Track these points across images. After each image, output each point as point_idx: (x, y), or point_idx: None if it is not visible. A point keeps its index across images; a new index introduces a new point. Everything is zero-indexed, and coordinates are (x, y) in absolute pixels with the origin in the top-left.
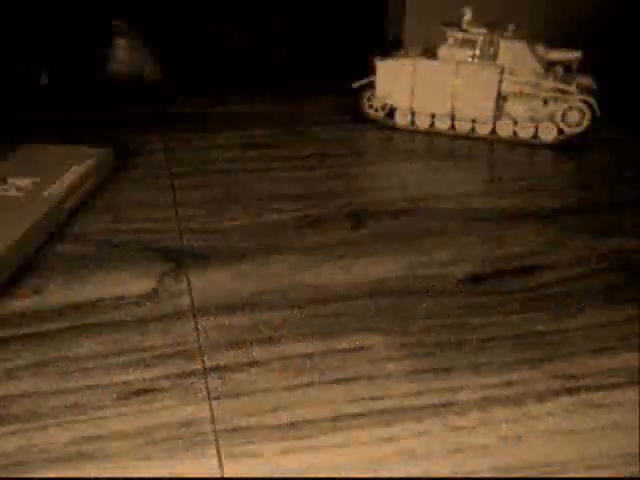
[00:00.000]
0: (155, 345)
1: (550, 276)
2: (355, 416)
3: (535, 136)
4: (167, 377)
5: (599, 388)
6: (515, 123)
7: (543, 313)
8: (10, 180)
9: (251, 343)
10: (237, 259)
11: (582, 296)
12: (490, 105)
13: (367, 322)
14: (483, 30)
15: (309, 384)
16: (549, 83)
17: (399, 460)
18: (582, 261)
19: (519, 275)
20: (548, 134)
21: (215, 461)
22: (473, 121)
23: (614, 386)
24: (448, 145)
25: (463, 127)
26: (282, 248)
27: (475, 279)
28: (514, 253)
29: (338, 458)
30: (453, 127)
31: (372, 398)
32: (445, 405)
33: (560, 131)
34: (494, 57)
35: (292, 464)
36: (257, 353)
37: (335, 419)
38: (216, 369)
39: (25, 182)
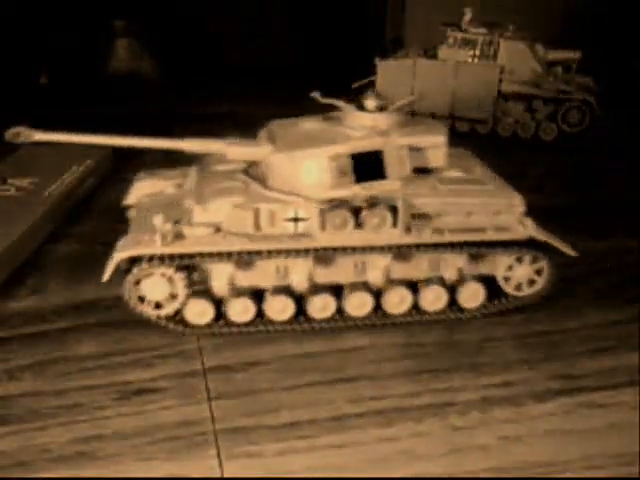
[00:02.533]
0: (155, 345)
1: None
2: (355, 416)
3: (535, 136)
4: (167, 377)
5: (599, 388)
6: (515, 123)
7: (543, 313)
8: (10, 180)
9: (251, 343)
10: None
11: (582, 296)
12: (490, 105)
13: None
14: (483, 30)
15: (309, 384)
16: (549, 83)
17: (399, 460)
18: (582, 261)
19: None
20: (548, 134)
21: (215, 461)
22: (473, 121)
23: (614, 386)
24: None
25: (463, 127)
26: None
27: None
28: None
29: (338, 458)
30: (453, 127)
31: (372, 398)
32: (445, 405)
33: (560, 131)
34: (494, 57)
35: (292, 465)
36: (257, 353)
37: (335, 419)
38: (216, 369)
39: (25, 182)
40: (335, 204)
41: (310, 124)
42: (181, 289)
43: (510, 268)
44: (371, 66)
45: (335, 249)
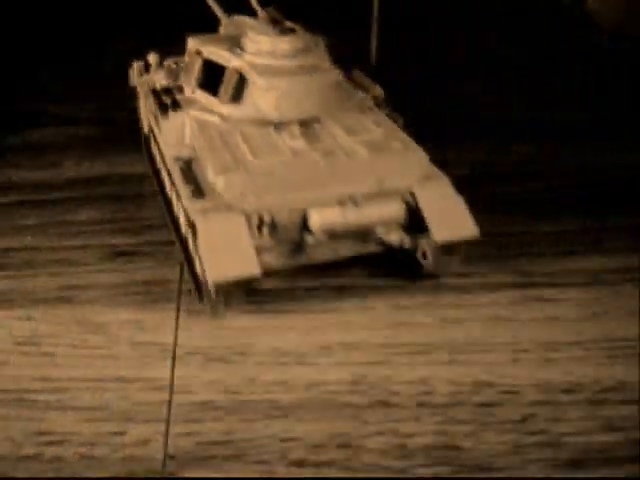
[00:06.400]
0: (145, 217)
1: (541, 184)
2: (309, 289)
3: None
4: (150, 244)
5: (551, 285)
6: None
7: (521, 216)
8: None
9: None
10: None
11: (566, 204)
12: None
13: None
14: None
15: None
16: None
17: (339, 329)
18: (580, 172)
19: (511, 181)
20: None
21: (173, 313)
22: None
23: (567, 285)
24: None
25: None
26: None
27: (464, 181)
28: (513, 160)
29: (285, 321)
30: None
31: (331, 276)
32: (395, 287)
33: None
34: None
35: (239, 323)
36: None
37: (290, 289)
38: None
39: None
40: None
41: None
42: None
43: None
44: None
45: None
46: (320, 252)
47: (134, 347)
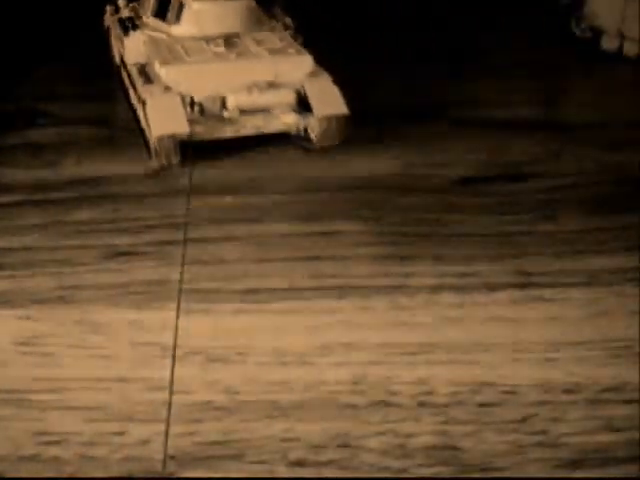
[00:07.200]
0: (145, 217)
1: (542, 184)
2: (309, 289)
3: None
4: (150, 244)
5: (552, 285)
6: None
7: (522, 216)
8: None
9: (234, 221)
10: (240, 150)
11: (568, 204)
12: None
13: (349, 211)
14: None
15: (276, 259)
16: None
17: (339, 329)
18: (581, 172)
19: (511, 181)
20: None
21: (173, 313)
22: None
23: (568, 285)
24: None
25: None
26: None
27: (465, 181)
28: (513, 160)
29: (282, 321)
30: None
31: (331, 276)
32: (397, 287)
33: None
34: None
35: (240, 323)
36: (237, 230)
37: (290, 289)
38: (195, 240)
39: None
40: None
41: None
42: None
43: None
44: None
45: None
46: (235, 128)
47: (134, 347)
